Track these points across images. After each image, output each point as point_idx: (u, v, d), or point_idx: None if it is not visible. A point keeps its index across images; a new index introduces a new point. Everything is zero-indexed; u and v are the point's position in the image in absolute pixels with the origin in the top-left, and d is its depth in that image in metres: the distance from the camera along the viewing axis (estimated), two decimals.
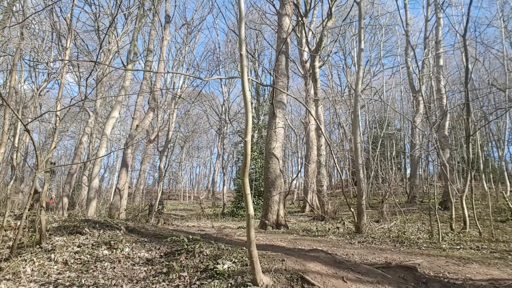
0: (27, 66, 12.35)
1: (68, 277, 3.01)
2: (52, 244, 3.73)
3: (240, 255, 3.21)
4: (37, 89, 13.24)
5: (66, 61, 7.02)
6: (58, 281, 2.91)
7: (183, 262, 3.17)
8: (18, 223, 3.96)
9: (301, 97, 16.19)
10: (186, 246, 3.51)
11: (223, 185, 21.56)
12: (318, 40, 12.55)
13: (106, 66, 11.31)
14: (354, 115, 7.44)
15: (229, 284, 2.57)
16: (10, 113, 8.24)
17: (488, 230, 5.92)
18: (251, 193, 5.18)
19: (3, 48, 9.99)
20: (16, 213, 5.65)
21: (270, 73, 12.51)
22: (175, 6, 16.19)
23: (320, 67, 13.57)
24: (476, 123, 11.87)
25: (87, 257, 3.48)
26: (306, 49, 13.43)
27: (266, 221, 7.42)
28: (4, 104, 8.68)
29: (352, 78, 19.90)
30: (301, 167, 16.21)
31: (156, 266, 3.22)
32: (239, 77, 2.83)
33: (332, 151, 8.34)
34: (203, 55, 30.28)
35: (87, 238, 4.03)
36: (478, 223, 5.85)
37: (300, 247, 4.50)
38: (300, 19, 12.26)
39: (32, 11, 10.07)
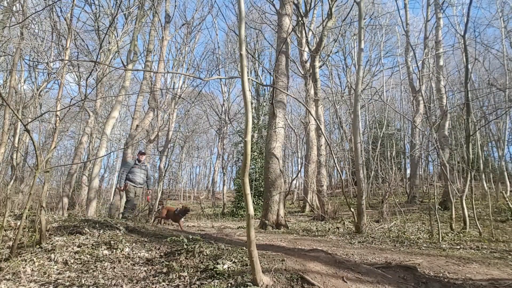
0: (27, 66, 12.35)
1: (68, 277, 3.01)
2: (52, 244, 3.73)
3: (240, 255, 3.21)
4: (37, 89, 13.24)
5: (66, 61, 7.02)
6: (58, 281, 2.91)
7: (183, 262, 3.17)
8: (18, 223, 3.96)
9: (301, 97, 16.19)
10: (186, 246, 3.50)
11: (223, 185, 21.57)
12: (318, 40, 12.55)
13: (106, 66, 11.32)
14: (354, 115, 7.44)
15: (229, 284, 2.57)
16: (10, 113, 8.25)
17: (488, 230, 5.92)
18: (251, 193, 5.18)
19: (3, 48, 9.99)
20: (16, 213, 5.65)
21: (270, 73, 12.51)
22: (175, 6, 16.22)
23: (320, 67, 13.57)
24: (476, 123, 11.86)
25: (87, 257, 3.48)
26: (306, 49, 13.42)
27: (266, 221, 7.42)
28: (4, 104, 8.68)
29: (352, 78, 19.89)
30: (301, 167, 16.21)
31: (156, 266, 3.21)
32: (239, 77, 2.83)
33: (332, 151, 8.34)
34: (203, 55, 30.30)
35: (87, 238, 4.02)
36: (478, 223, 5.85)
37: (300, 247, 4.50)
38: (300, 19, 12.26)
39: (32, 11, 10.07)
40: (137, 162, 6.64)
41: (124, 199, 11.21)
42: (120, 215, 6.61)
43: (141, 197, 6.85)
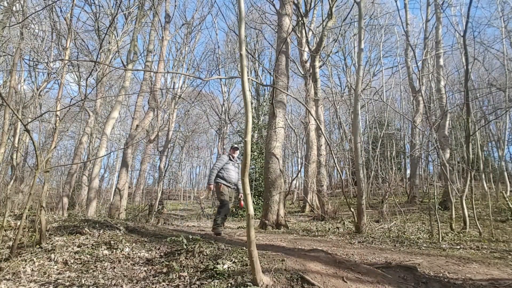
0: (27, 66, 12.34)
1: (68, 277, 3.01)
2: (52, 244, 3.73)
3: (240, 255, 3.21)
4: (37, 89, 13.23)
5: (66, 61, 7.02)
6: (58, 281, 2.91)
7: (183, 262, 3.17)
8: (18, 223, 3.96)
9: (301, 97, 16.20)
10: (186, 246, 3.50)
11: None
12: (318, 40, 12.55)
13: (106, 66, 11.32)
14: (354, 115, 7.44)
15: (229, 284, 2.57)
16: (10, 113, 8.24)
17: (488, 230, 5.92)
18: (251, 193, 5.15)
19: (3, 48, 9.98)
20: (16, 213, 5.65)
21: (270, 73, 12.52)
22: (175, 6, 16.23)
23: (320, 67, 13.57)
24: (476, 123, 11.86)
25: (87, 257, 3.48)
26: (306, 49, 13.43)
27: (266, 221, 7.41)
28: (4, 104, 8.68)
29: (352, 78, 19.90)
30: (301, 167, 16.21)
31: (156, 266, 3.22)
32: (239, 77, 2.83)
33: (332, 151, 8.34)
34: (203, 55, 30.33)
35: (87, 238, 4.03)
36: (478, 223, 5.85)
37: (300, 247, 4.50)
38: (300, 19, 12.27)
39: (32, 11, 10.06)
40: (231, 158, 5.56)
41: (125, 200, 11.25)
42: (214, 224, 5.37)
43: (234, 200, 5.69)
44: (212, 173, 5.40)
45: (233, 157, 5.62)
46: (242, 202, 5.77)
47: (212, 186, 5.32)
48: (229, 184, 5.36)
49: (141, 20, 12.10)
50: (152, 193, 21.04)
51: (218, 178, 5.36)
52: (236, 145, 5.82)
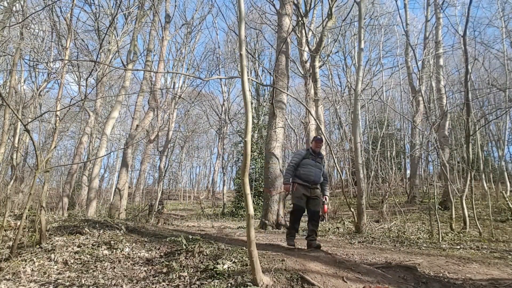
0: (27, 66, 12.34)
1: (68, 277, 3.01)
2: (52, 244, 3.73)
3: (240, 255, 3.21)
4: (37, 89, 13.23)
5: (66, 61, 7.00)
6: (58, 281, 2.91)
7: (183, 262, 3.17)
8: (18, 223, 3.96)
9: (301, 97, 16.19)
10: (186, 246, 3.50)
11: (223, 185, 21.59)
12: (318, 40, 12.54)
13: (106, 66, 11.32)
14: (354, 115, 7.44)
15: (229, 284, 2.57)
16: (10, 113, 8.24)
17: (488, 230, 5.92)
18: (251, 193, 5.07)
19: (3, 48, 9.98)
20: (16, 213, 5.65)
21: (270, 73, 12.51)
22: (175, 6, 16.24)
23: (320, 67, 13.56)
24: (476, 123, 11.85)
25: (87, 257, 3.48)
26: (306, 49, 13.42)
27: (266, 221, 7.42)
28: (4, 104, 8.67)
29: (352, 78, 19.89)
30: None
31: (156, 266, 3.22)
32: (239, 77, 2.83)
33: (332, 151, 8.34)
34: (203, 55, 30.34)
35: (87, 238, 4.03)
36: (478, 223, 5.85)
37: (300, 247, 4.50)
38: (300, 19, 12.26)
39: (32, 11, 10.06)
40: (311, 152, 4.50)
41: (125, 200, 11.24)
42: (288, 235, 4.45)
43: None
44: (288, 170, 4.45)
45: (315, 152, 4.52)
46: (326, 207, 4.91)
47: (288, 186, 4.40)
48: (307, 184, 4.33)
49: (141, 20, 12.10)
50: (152, 193, 21.03)
51: (294, 177, 4.42)
52: (319, 136, 4.74)
